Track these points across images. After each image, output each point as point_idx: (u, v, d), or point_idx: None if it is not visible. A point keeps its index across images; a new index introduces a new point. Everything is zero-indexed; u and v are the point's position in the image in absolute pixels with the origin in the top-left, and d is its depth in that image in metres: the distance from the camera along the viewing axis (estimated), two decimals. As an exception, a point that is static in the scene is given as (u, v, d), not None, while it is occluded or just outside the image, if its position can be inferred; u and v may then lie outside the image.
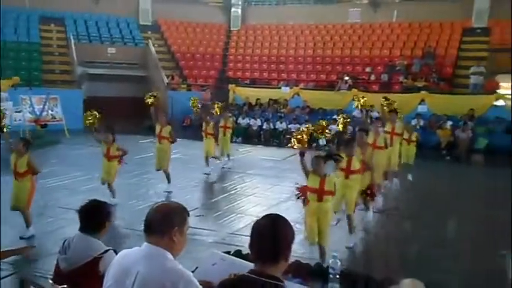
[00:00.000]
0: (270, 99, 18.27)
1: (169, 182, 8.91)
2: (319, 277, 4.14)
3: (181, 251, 2.15)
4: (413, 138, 10.43)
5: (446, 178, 11.77)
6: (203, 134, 10.93)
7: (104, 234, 3.18)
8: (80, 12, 21.37)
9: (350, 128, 11.30)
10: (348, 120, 7.66)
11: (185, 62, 21.42)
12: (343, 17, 21.81)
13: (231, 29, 23.86)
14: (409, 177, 10.39)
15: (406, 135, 10.21)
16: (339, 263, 3.72)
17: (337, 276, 3.68)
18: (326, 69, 20.01)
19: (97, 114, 7.92)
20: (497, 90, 15.89)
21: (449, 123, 14.88)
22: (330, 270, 3.69)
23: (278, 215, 2.07)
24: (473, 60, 17.08)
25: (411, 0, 21.20)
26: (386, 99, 9.23)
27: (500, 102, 15.24)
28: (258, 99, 18.36)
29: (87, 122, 7.98)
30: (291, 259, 2.13)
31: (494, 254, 5.89)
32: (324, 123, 5.85)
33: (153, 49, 20.29)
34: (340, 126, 7.30)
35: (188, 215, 2.19)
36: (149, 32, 22.14)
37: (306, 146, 5.51)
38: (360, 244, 6.44)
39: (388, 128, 9.10)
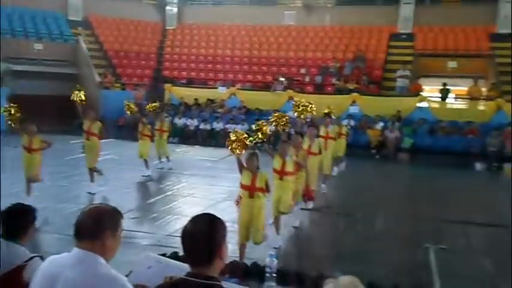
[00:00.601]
0: (208, 99, 18.20)
1: (92, 181, 8.69)
2: (256, 276, 4.19)
3: (114, 255, 2.09)
4: (343, 131, 10.75)
5: (376, 176, 12.36)
6: (139, 135, 10.68)
7: (29, 240, 3.01)
8: (2, 6, 20.05)
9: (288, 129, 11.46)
10: (285, 120, 7.68)
11: (118, 60, 20.77)
12: (278, 19, 22.19)
13: (167, 27, 23.48)
14: (342, 166, 10.70)
15: (336, 129, 10.51)
16: (276, 262, 3.79)
17: (274, 275, 3.75)
18: (262, 70, 20.25)
19: (13, 109, 7.44)
20: (421, 93, 16.89)
21: (381, 124, 15.61)
22: (267, 269, 3.75)
23: (207, 214, 2.03)
24: (400, 64, 18.03)
25: (342, 5, 22.03)
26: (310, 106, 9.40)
27: (424, 104, 16.21)
28: (195, 99, 18.22)
29: (6, 118, 7.50)
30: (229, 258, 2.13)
31: (419, 246, 6.29)
32: (263, 126, 5.85)
33: (84, 46, 19.49)
34: (277, 127, 7.30)
35: (121, 218, 2.14)
36: (79, 28, 21.21)
37: (243, 148, 5.48)
38: (297, 242, 6.60)
39: (322, 132, 9.33)
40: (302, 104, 8.72)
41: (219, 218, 2.01)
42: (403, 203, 9.25)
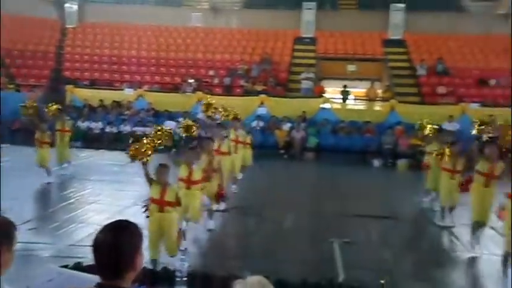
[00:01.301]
0: (113, 101, 17.50)
1: None
2: (166, 282, 4.13)
3: (8, 268, 1.93)
4: (248, 141, 10.94)
5: (284, 175, 12.76)
6: (37, 143, 9.92)
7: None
8: None
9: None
10: (193, 125, 7.59)
11: (11, 59, 19.21)
12: (184, 20, 22.00)
13: (67, 26, 22.16)
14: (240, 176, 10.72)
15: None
16: (186, 265, 3.77)
17: (184, 279, 3.72)
18: (170, 72, 19.95)
19: None
20: (324, 94, 17.78)
21: (288, 124, 16.14)
22: (177, 274, 3.71)
23: (120, 222, 1.92)
24: (304, 66, 18.82)
25: (249, 8, 22.45)
26: (224, 110, 9.53)
27: (327, 105, 17.08)
28: (101, 100, 17.42)
29: None
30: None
31: (324, 241, 6.62)
32: (165, 130, 5.63)
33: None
34: (184, 132, 7.13)
35: (15, 230, 1.99)
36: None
37: (147, 156, 5.25)
38: (208, 244, 6.60)
39: (232, 136, 9.40)
40: (210, 103, 8.79)
41: (134, 225, 1.89)
42: (309, 200, 9.65)
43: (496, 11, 21.15)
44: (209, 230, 7.00)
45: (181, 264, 3.70)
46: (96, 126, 16.09)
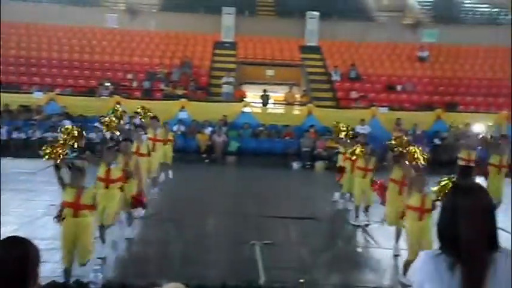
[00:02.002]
0: (20, 106, 16.34)
1: None
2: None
3: None
4: (170, 137, 10.84)
5: (206, 179, 12.69)
6: None
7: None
8: None
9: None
10: (115, 121, 7.51)
11: None
12: (100, 21, 21.13)
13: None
14: (170, 174, 10.70)
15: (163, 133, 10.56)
16: (101, 276, 3.62)
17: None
18: (85, 75, 19.05)
19: None
20: (245, 99, 17.98)
21: (209, 128, 16.09)
22: (91, 286, 3.56)
23: (15, 237, 1.85)
24: (224, 71, 18.91)
25: (167, 11, 22.11)
26: (143, 108, 9.42)
27: (248, 109, 17.30)
28: (6, 105, 16.17)
29: None
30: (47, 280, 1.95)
31: (246, 244, 6.69)
32: (75, 131, 5.42)
33: None
34: (106, 128, 6.99)
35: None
36: None
37: (60, 158, 5.08)
38: (127, 252, 6.38)
39: (150, 134, 9.27)
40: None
41: (30, 241, 1.84)
42: (231, 204, 9.69)
43: (402, 21, 22.78)
44: (128, 239, 6.77)
45: (95, 275, 3.54)
46: (1, 132, 14.94)
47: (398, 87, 19.30)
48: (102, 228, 6.01)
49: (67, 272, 4.85)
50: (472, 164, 9.39)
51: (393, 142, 6.96)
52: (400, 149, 6.47)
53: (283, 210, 8.92)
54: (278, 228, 7.76)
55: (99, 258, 5.66)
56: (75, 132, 5.34)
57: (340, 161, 9.76)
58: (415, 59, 20.96)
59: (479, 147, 9.87)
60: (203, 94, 18.42)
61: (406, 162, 6.37)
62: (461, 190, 1.98)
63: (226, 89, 18.27)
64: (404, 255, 6.12)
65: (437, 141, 15.25)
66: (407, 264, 5.23)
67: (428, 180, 5.69)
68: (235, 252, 6.54)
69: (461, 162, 9.38)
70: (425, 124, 14.92)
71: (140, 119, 9.55)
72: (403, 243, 6.33)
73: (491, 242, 1.89)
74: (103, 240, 6.01)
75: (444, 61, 21.07)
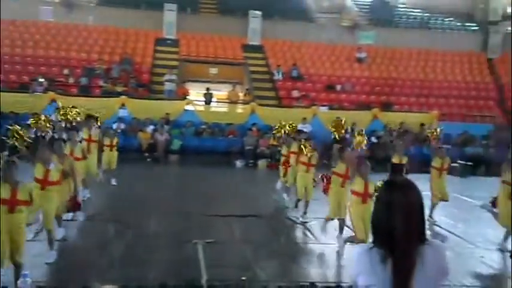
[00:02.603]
0: None
1: None
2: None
3: None
4: (114, 143, 10.58)
5: (147, 178, 12.47)
6: None
7: None
8: None
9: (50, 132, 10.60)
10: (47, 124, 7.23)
11: None
12: (33, 13, 20.07)
13: None
14: (113, 181, 10.49)
15: (107, 141, 10.29)
16: (30, 281, 3.45)
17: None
18: (16, 69, 18.06)
19: None
20: (188, 97, 17.82)
21: (151, 127, 15.78)
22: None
23: None
24: (166, 68, 18.61)
25: (106, 6, 21.40)
26: (74, 107, 9.12)
27: (190, 107, 17.16)
28: None
29: None
30: None
31: (188, 243, 6.65)
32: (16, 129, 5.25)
33: None
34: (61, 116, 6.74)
35: None
36: None
37: None
38: (65, 256, 6.13)
39: (85, 135, 8.95)
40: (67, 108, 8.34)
41: None
42: (173, 203, 9.58)
43: (341, 23, 23.48)
44: (60, 240, 6.47)
45: (23, 280, 3.37)
46: None
47: (338, 87, 19.92)
48: (49, 232, 5.78)
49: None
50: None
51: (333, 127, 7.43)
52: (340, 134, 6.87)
53: (227, 209, 8.94)
54: (221, 227, 7.78)
55: (47, 263, 5.46)
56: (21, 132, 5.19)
57: (284, 159, 9.94)
58: (353, 60, 21.71)
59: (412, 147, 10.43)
60: (144, 91, 18.06)
61: (349, 152, 6.73)
62: (393, 186, 2.10)
63: (168, 86, 18.02)
64: (347, 250, 6.42)
65: (374, 139, 15.89)
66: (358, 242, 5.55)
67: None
68: (177, 252, 6.48)
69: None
70: (363, 123, 15.48)
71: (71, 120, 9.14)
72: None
73: (420, 235, 2.01)
74: (51, 245, 5.79)
75: (380, 62, 22.01)
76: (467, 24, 24.67)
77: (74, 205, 6.77)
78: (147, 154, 15.18)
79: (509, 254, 6.69)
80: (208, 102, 18.16)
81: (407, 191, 2.05)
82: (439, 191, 8.75)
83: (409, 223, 1.97)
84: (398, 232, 1.95)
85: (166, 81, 18.05)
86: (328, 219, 7.10)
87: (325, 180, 7.28)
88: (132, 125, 15.79)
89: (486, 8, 24.72)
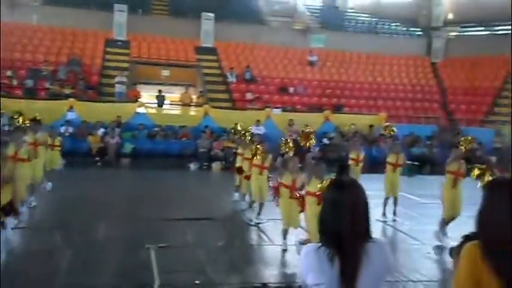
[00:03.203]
0: None
1: None
2: None
3: None
4: (57, 143, 10.29)
5: (98, 183, 12.11)
6: None
7: None
8: None
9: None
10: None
11: None
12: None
13: None
14: (48, 187, 9.93)
15: (50, 141, 10.01)
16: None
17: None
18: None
19: None
20: (139, 99, 17.49)
21: (102, 130, 15.37)
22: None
23: None
24: (117, 70, 18.21)
25: (51, 5, 20.66)
26: (19, 113, 8.83)
27: (142, 110, 16.85)
28: None
29: None
30: None
31: (141, 248, 6.53)
32: None
33: None
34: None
35: None
36: None
37: None
38: (8, 265, 5.84)
39: (30, 138, 8.62)
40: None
41: None
42: (126, 208, 9.38)
43: (292, 26, 23.86)
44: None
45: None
46: None
47: (291, 90, 20.21)
48: None
49: None
50: (361, 162, 10.21)
51: (282, 146, 7.45)
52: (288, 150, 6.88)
53: (180, 212, 8.86)
54: (174, 231, 7.69)
55: None
56: None
57: (239, 161, 9.96)
58: (305, 63, 22.12)
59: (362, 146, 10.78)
60: (94, 94, 17.58)
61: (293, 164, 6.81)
62: (339, 185, 2.17)
63: (119, 88, 17.63)
64: (290, 250, 6.55)
65: (325, 140, 16.24)
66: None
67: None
68: (129, 258, 6.34)
69: (351, 162, 10.03)
70: (315, 124, 15.82)
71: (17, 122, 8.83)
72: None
73: (365, 233, 2.09)
74: None
75: (331, 66, 22.56)
76: (412, 29, 25.75)
77: (9, 211, 6.41)
78: (97, 158, 14.77)
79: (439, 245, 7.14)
80: (160, 104, 17.92)
81: (353, 190, 2.12)
82: (392, 186, 9.13)
83: (354, 222, 2.04)
84: (344, 231, 2.02)
85: (117, 83, 17.65)
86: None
87: (274, 191, 7.33)
88: (80, 128, 15.31)
89: (429, 14, 25.91)
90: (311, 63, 22.02)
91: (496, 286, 2.01)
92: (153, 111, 17.36)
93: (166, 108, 18.41)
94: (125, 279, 5.42)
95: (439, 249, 7.20)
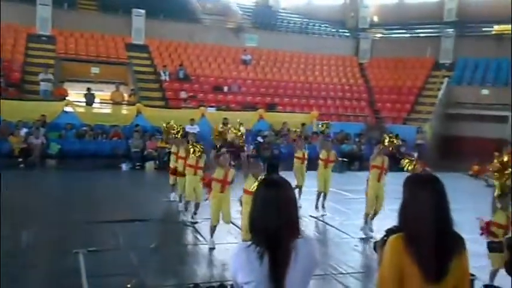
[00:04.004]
0: None
1: None
2: None
3: None
4: None
5: (21, 186, 11.42)
6: None
7: None
8: None
9: None
10: None
11: None
12: None
13: None
14: None
15: None
16: None
17: None
18: None
19: None
20: (67, 97, 16.68)
21: (25, 130, 14.49)
22: None
23: None
24: (42, 67, 17.24)
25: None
26: None
27: (70, 109, 16.09)
28: None
29: None
30: None
31: (69, 253, 6.25)
32: None
33: None
34: None
35: None
36: None
37: None
38: None
39: None
40: None
41: None
42: (53, 211, 8.94)
43: (226, 25, 23.86)
44: None
45: None
46: None
47: (225, 88, 20.22)
48: None
49: None
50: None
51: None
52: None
53: (112, 214, 8.59)
54: (105, 234, 7.43)
55: None
56: None
57: (173, 161, 9.81)
58: (239, 61, 22.23)
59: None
60: (16, 92, 16.53)
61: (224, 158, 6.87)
62: (267, 184, 2.21)
63: (44, 86, 16.73)
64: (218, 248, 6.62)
65: (259, 139, 16.42)
66: None
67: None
68: (56, 264, 6.06)
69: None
70: (249, 123, 15.92)
71: None
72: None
73: (295, 229, 2.15)
74: None
75: (264, 65, 22.86)
76: (340, 30, 26.69)
77: None
78: (20, 159, 13.90)
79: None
80: (89, 103, 17.19)
81: (281, 188, 2.17)
82: (323, 182, 9.41)
83: (283, 219, 2.09)
84: (277, 228, 2.06)
85: (42, 80, 16.72)
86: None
87: (206, 186, 7.35)
88: (1, 128, 14.34)
89: (356, 16, 27.03)
90: (245, 62, 22.17)
91: (418, 276, 2.15)
92: (82, 110, 16.62)
93: (96, 107, 17.71)
94: (52, 286, 5.16)
95: (365, 242, 7.57)
